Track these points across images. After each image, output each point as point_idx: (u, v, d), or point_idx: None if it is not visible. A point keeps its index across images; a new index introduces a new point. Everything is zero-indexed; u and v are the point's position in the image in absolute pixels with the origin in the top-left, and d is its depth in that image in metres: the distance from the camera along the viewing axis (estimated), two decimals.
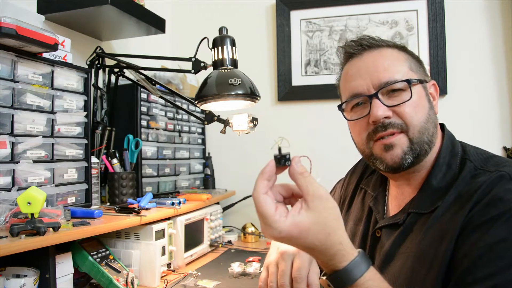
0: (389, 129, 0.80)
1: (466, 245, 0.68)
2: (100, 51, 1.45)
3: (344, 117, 0.89)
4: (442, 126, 0.89)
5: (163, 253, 1.31)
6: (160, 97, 1.53)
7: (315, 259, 0.65)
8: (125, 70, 1.51)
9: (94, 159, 1.29)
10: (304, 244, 0.60)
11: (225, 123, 1.40)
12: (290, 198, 0.65)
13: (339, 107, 0.90)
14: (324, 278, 0.64)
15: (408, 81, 0.80)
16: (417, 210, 0.80)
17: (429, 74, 0.91)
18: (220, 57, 1.23)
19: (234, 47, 1.25)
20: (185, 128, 1.89)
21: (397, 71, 0.81)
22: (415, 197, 0.83)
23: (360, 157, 0.96)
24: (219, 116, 1.42)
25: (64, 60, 1.20)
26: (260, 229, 0.63)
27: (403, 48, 0.87)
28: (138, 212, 1.22)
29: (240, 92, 1.18)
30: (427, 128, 0.80)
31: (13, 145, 1.01)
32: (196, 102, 1.24)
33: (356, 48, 0.86)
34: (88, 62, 1.45)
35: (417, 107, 0.80)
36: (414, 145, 0.79)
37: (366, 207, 0.96)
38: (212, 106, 1.31)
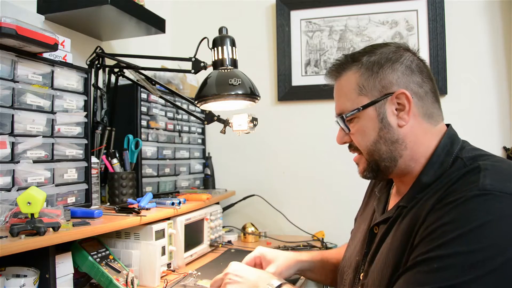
0: (350, 151, 0.92)
1: (420, 230, 0.72)
2: (100, 51, 1.45)
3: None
4: (447, 125, 0.89)
5: (163, 253, 1.31)
6: (160, 97, 1.53)
7: None
8: (125, 70, 1.51)
9: (94, 159, 1.29)
10: None
11: (225, 123, 1.40)
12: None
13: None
14: None
15: (342, 117, 0.86)
16: (403, 204, 0.82)
17: (396, 78, 0.83)
18: (220, 57, 1.23)
19: (234, 47, 1.25)
20: (185, 128, 1.89)
21: (347, 100, 0.86)
22: (406, 193, 0.84)
23: None
24: (219, 116, 1.42)
25: (64, 60, 1.19)
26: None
27: (362, 63, 0.84)
28: (138, 212, 1.22)
29: (240, 92, 1.18)
30: (375, 149, 0.84)
31: (13, 145, 1.01)
32: (196, 102, 1.24)
33: (330, 79, 0.93)
34: (88, 62, 1.45)
35: (362, 133, 0.85)
36: (370, 164, 0.86)
37: (373, 208, 0.99)
38: (212, 106, 1.30)
